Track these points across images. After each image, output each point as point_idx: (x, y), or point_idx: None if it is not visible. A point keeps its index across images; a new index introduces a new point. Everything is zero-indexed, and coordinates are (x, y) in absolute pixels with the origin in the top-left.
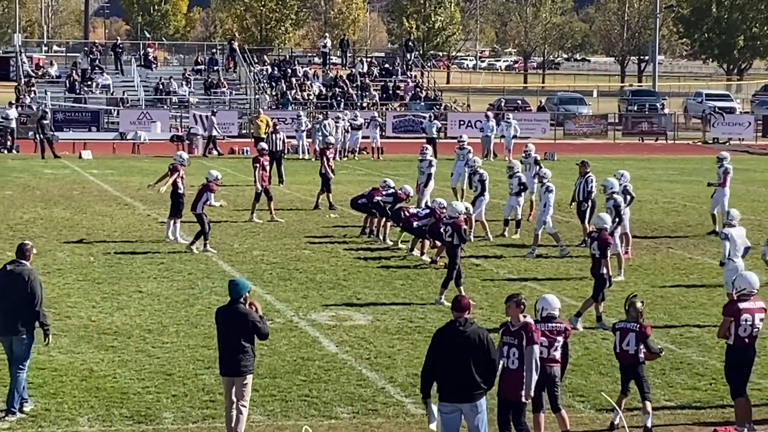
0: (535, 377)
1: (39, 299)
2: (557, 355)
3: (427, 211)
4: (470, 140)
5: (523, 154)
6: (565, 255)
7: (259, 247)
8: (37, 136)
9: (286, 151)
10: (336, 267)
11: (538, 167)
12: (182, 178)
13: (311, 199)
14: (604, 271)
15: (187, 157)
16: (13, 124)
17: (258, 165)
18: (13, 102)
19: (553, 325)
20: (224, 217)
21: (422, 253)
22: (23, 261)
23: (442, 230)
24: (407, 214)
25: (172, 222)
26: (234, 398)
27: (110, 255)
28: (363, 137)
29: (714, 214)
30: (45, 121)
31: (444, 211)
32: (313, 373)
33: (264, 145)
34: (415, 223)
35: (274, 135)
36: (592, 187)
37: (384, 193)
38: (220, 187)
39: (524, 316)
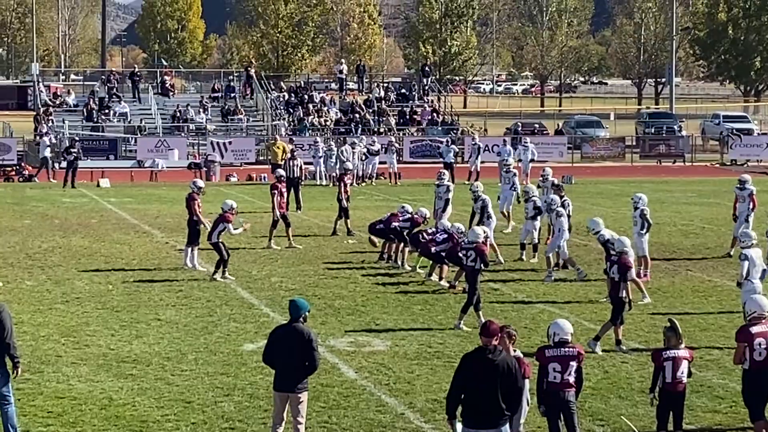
0: (525, 410)
1: (9, 332)
2: (571, 379)
3: (446, 236)
4: (489, 165)
5: (541, 178)
6: (583, 278)
7: (277, 273)
8: (56, 164)
9: (303, 178)
10: (354, 293)
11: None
12: (199, 205)
13: (329, 225)
14: (624, 294)
15: (203, 184)
16: (48, 153)
17: (276, 192)
18: (46, 131)
19: (566, 349)
20: (242, 243)
21: (440, 278)
22: None
23: (460, 255)
24: (425, 239)
25: (189, 249)
26: (291, 416)
27: (129, 283)
28: (380, 162)
29: (737, 236)
30: (74, 149)
31: (462, 236)
32: (332, 399)
33: (282, 171)
34: (433, 249)
35: (291, 161)
36: (569, 211)
37: (401, 218)
38: (237, 215)
39: (514, 350)
